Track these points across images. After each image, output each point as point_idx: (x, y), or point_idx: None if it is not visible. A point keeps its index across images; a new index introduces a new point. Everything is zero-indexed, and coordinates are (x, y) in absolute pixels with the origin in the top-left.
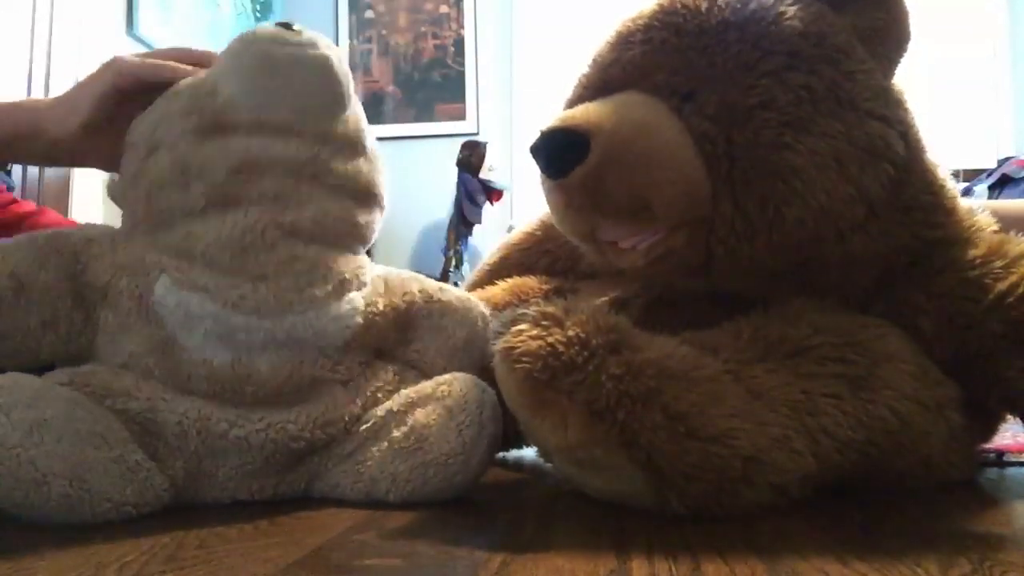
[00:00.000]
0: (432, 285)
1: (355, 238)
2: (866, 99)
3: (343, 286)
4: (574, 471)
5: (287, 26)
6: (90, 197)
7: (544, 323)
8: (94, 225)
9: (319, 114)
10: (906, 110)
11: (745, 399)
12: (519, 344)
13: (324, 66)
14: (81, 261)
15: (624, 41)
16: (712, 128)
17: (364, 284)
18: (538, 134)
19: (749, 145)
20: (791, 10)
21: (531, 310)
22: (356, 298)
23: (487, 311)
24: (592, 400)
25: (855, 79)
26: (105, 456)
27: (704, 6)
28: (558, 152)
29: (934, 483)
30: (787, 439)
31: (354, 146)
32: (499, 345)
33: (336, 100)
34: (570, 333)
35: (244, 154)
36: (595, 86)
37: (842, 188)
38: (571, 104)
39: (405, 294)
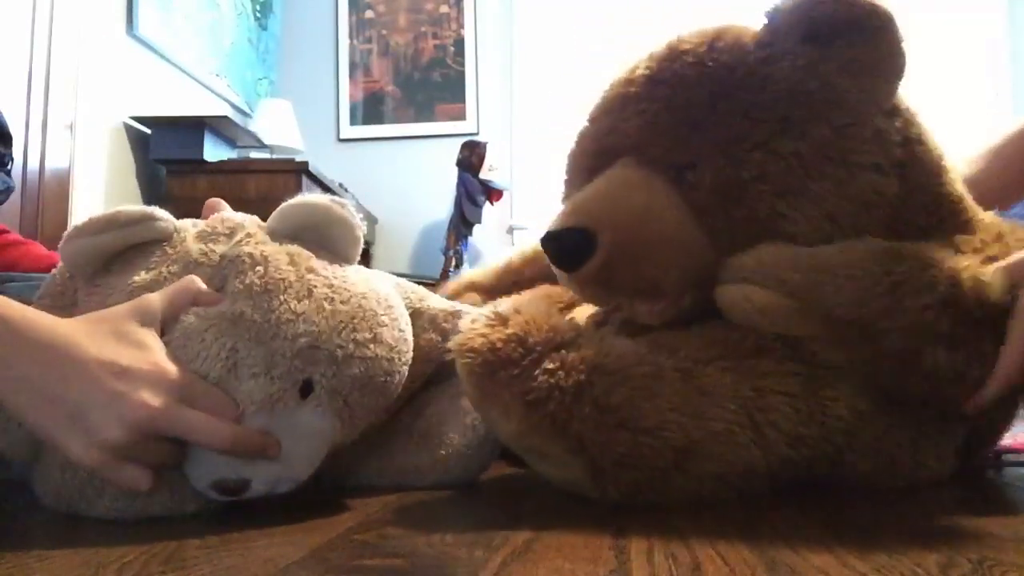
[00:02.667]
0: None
1: None
2: (857, 152)
3: None
4: (527, 457)
5: None
6: (91, 194)
7: (491, 322)
8: None
9: None
10: (909, 123)
11: (687, 395)
12: (467, 341)
13: None
14: None
15: (619, 109)
16: (710, 202)
17: None
18: (547, 231)
19: (747, 219)
20: (778, 70)
21: (485, 310)
22: None
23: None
24: (526, 392)
25: (846, 133)
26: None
27: (692, 75)
28: (567, 251)
29: (906, 483)
30: (729, 432)
31: None
32: (453, 342)
33: None
34: (510, 331)
35: None
36: (593, 153)
37: (838, 238)
38: (571, 176)
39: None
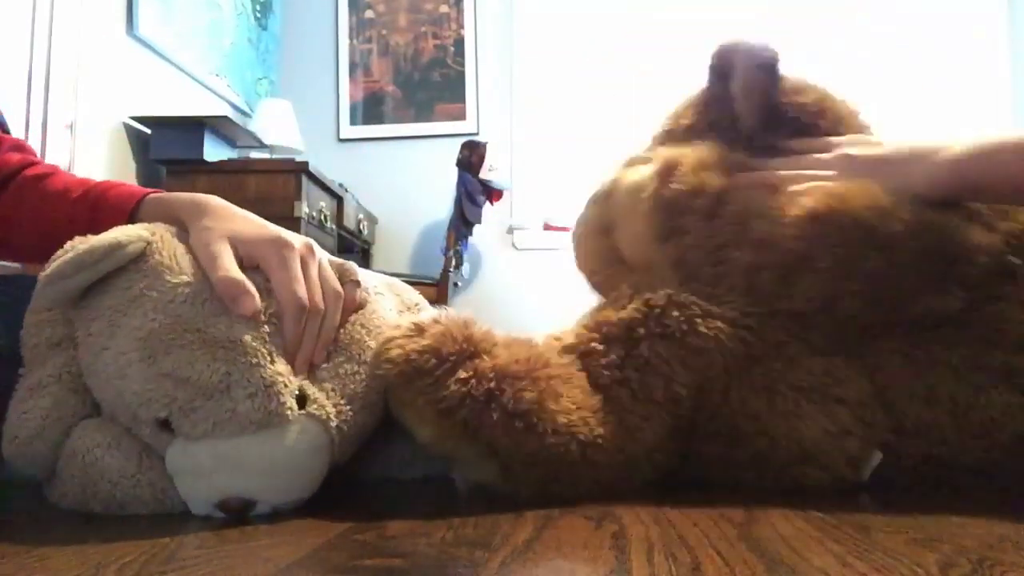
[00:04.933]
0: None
1: None
2: None
3: None
4: (450, 465)
5: None
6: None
7: (409, 333)
8: None
9: None
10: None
11: (588, 391)
12: (384, 352)
13: None
14: None
15: None
16: None
17: None
18: None
19: None
20: None
21: (404, 321)
22: None
23: None
24: (438, 400)
25: None
26: None
27: None
28: None
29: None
30: (621, 420)
31: None
32: (373, 352)
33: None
34: (425, 342)
35: None
36: None
37: None
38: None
39: None
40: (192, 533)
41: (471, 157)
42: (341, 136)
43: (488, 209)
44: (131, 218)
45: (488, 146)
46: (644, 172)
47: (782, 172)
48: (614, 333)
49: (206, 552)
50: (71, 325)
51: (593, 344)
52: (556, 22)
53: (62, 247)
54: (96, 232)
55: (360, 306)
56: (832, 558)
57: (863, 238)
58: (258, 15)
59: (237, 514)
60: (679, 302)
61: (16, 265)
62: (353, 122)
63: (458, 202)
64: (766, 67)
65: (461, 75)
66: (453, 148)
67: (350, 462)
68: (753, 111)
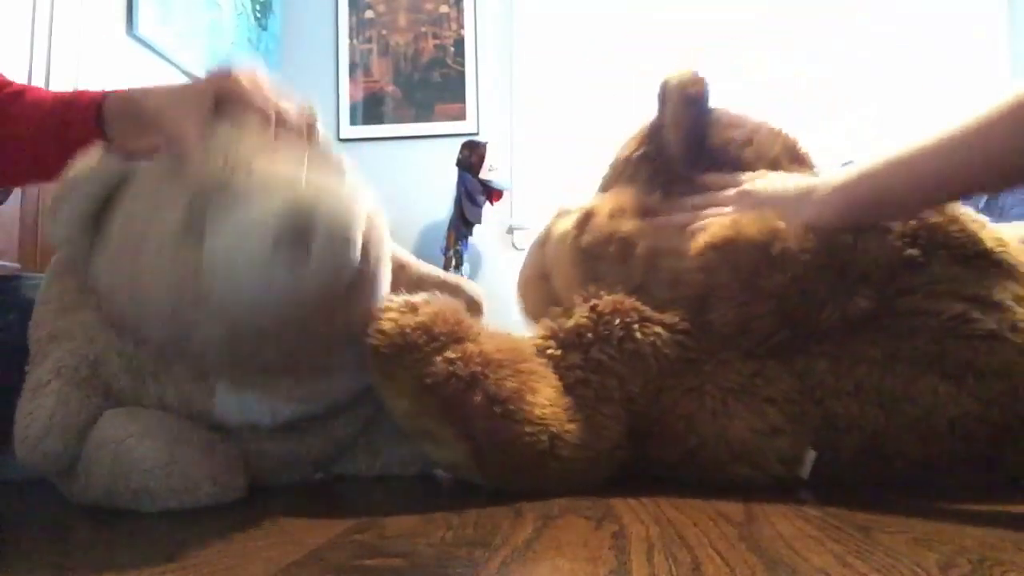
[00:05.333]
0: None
1: None
2: None
3: None
4: (418, 441)
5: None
6: None
7: (403, 308)
8: None
9: None
10: None
11: (560, 390)
12: (377, 323)
13: None
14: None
15: None
16: None
17: None
18: None
19: None
20: None
21: (399, 298)
22: None
23: None
24: (424, 376)
25: None
26: (222, 458)
27: None
28: None
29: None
30: (589, 418)
31: None
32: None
33: None
34: (418, 319)
35: None
36: None
37: None
38: None
39: None
40: (192, 533)
41: (471, 157)
42: (341, 136)
43: (488, 209)
44: (100, 111)
45: (488, 146)
46: (569, 222)
47: (684, 215)
48: (568, 339)
49: (206, 552)
50: (69, 315)
51: (550, 351)
52: (556, 22)
53: (43, 160)
54: (68, 135)
55: (311, 124)
56: (832, 558)
57: (759, 258)
58: (258, 15)
59: (300, 235)
60: (622, 308)
61: (16, 265)
62: (353, 122)
63: (458, 202)
64: (692, 100)
65: (461, 75)
66: (453, 148)
67: (355, 463)
68: (679, 142)
